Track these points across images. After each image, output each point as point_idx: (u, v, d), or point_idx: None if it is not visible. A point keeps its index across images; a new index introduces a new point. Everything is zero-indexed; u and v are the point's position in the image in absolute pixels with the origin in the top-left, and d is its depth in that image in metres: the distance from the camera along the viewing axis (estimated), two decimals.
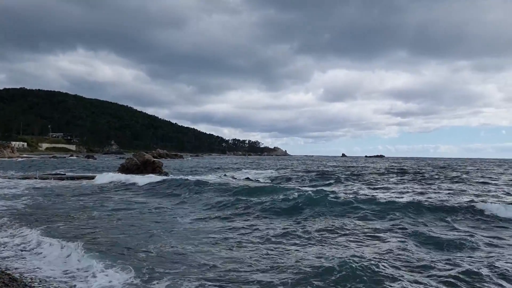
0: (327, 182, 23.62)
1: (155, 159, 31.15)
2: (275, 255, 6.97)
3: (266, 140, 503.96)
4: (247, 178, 26.57)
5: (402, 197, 15.11)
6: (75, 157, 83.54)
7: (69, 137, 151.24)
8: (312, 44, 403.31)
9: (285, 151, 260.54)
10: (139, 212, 11.75)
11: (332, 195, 13.35)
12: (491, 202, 12.89)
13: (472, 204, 12.19)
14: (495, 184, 23.05)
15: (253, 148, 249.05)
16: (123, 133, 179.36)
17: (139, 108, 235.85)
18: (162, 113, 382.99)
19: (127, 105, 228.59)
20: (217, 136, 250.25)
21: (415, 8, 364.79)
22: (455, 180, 25.76)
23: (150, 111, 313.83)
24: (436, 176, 30.03)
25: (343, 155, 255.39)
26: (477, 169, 47.31)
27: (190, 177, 21.93)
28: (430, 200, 13.94)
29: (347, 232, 8.84)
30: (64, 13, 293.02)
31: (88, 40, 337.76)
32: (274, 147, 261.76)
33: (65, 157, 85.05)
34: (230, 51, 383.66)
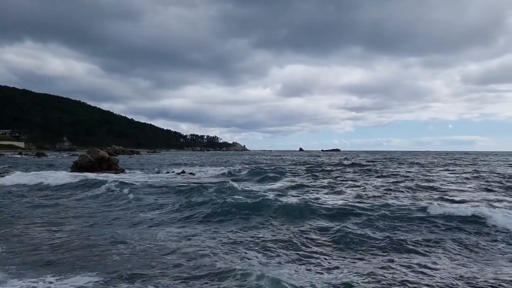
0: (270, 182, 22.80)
1: (110, 156, 30.68)
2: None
3: (225, 135, 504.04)
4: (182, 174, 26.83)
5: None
6: (19, 156, 79.24)
7: (17, 134, 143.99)
8: (270, 39, 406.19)
9: (244, 146, 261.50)
10: None
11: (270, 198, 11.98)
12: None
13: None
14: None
15: (212, 144, 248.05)
16: (76, 130, 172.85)
17: (93, 103, 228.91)
18: (117, 109, 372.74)
19: (79, 100, 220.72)
20: (175, 132, 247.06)
21: (368, 5, 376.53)
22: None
23: (104, 106, 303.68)
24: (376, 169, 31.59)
25: (301, 149, 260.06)
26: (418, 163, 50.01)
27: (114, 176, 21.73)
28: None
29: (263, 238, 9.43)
30: (9, 2, 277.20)
31: (36, 32, 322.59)
32: (233, 142, 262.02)
33: (5, 155, 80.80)
34: (187, 45, 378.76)
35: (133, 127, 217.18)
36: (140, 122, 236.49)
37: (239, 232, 8.49)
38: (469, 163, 44.47)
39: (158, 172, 29.40)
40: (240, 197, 12.55)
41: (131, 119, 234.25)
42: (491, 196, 14.72)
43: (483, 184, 18.46)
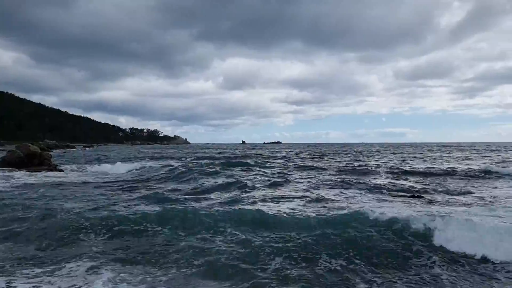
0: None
1: (42, 151, 29.97)
2: None
3: (166, 129, 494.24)
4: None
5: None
6: None
7: None
8: (212, 31, 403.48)
9: (186, 139, 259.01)
10: None
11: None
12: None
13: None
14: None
15: (153, 137, 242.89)
16: (3, 123, 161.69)
17: (22, 95, 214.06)
18: (49, 101, 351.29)
19: (7, 92, 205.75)
20: (113, 125, 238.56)
21: (309, 0, 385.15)
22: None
23: (35, 98, 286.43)
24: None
25: (243, 142, 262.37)
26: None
27: None
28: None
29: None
30: None
31: None
32: (175, 136, 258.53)
33: None
34: (126, 36, 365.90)
35: (67, 121, 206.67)
36: (76, 115, 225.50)
37: None
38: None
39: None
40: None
41: (65, 112, 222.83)
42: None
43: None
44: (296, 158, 39.43)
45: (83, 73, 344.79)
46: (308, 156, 43.39)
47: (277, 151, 61.87)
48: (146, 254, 6.71)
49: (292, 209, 10.22)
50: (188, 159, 38.36)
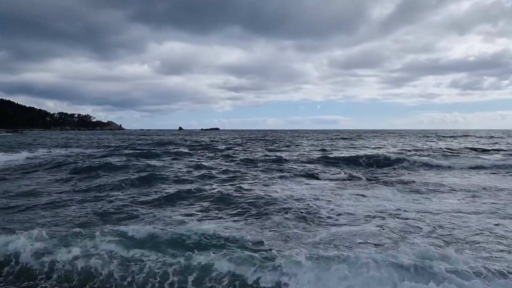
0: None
1: None
2: None
3: (99, 114, 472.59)
4: None
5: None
6: None
7: None
8: (148, 13, 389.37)
9: (120, 125, 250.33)
10: None
11: None
12: None
13: None
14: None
15: (84, 123, 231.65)
16: None
17: None
18: None
19: None
20: (40, 110, 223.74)
21: None
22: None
23: None
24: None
25: (180, 128, 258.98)
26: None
27: None
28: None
29: None
30: None
31: None
32: (108, 121, 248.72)
33: None
34: (53, 13, 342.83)
35: None
36: None
37: None
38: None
39: None
40: None
41: None
42: None
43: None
44: (244, 147, 40.07)
45: (4, 52, 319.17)
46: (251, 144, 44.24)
47: (213, 140, 62.11)
48: None
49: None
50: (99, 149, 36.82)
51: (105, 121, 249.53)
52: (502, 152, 27.23)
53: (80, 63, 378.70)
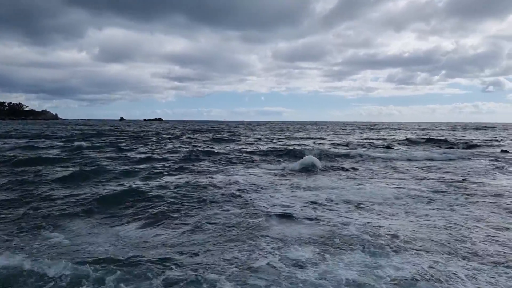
0: None
1: None
2: None
3: (32, 103, 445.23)
4: None
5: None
6: None
7: None
8: None
9: (56, 114, 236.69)
10: None
11: None
12: None
13: None
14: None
15: (16, 112, 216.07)
16: None
17: None
18: None
19: None
20: None
21: None
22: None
23: None
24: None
25: (122, 118, 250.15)
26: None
27: None
28: None
29: None
30: None
31: None
32: (42, 110, 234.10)
33: None
34: None
35: None
36: None
37: None
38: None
39: None
40: None
41: None
42: None
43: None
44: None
45: None
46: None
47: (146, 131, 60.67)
48: None
49: None
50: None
51: (39, 110, 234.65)
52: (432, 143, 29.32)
53: (11, 48, 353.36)
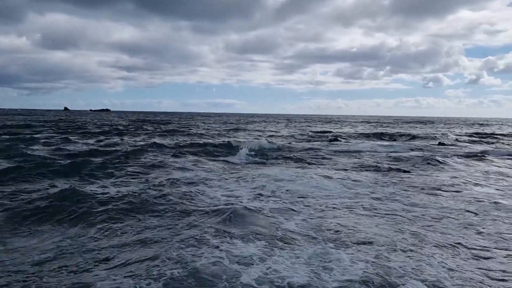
0: None
1: None
2: None
3: None
4: None
5: None
6: None
7: None
8: None
9: None
10: None
11: None
12: None
13: None
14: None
15: None
16: None
17: None
18: None
19: None
20: None
21: None
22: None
23: None
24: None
25: (66, 109, 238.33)
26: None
27: None
28: None
29: None
30: None
31: None
32: None
33: None
34: None
35: None
36: None
37: None
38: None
39: None
40: None
41: None
42: None
43: None
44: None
45: None
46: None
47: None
48: None
49: None
50: None
51: None
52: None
53: None
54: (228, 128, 42.34)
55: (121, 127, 39.85)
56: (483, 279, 4.82)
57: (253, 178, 11.61)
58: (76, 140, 23.14)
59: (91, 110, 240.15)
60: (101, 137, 26.22)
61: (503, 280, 4.84)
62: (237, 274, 4.80)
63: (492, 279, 4.86)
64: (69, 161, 13.81)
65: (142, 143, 21.73)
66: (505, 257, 5.57)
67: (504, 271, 5.06)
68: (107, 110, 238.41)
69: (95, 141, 23.15)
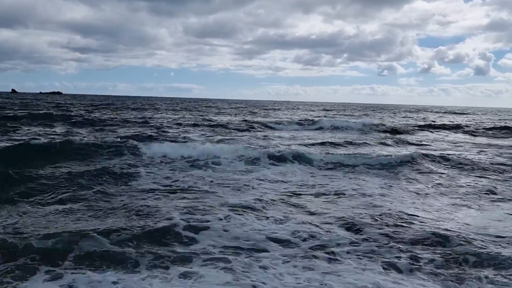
0: None
1: None
2: None
3: None
4: None
5: None
6: None
7: None
8: None
9: None
10: None
11: None
12: None
13: None
14: None
15: None
16: None
17: None
18: None
19: None
20: None
21: None
22: None
23: None
24: None
25: (13, 91, 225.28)
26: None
27: None
28: None
29: None
30: None
31: None
32: None
33: None
34: None
35: None
36: None
37: None
38: None
39: None
40: None
41: None
42: None
43: None
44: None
45: None
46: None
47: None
48: None
49: None
50: None
51: None
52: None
53: None
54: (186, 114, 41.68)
55: (70, 110, 38.19)
56: None
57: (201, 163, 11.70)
58: (23, 126, 22.02)
59: (41, 92, 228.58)
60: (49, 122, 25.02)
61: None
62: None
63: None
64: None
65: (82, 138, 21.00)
66: None
67: None
68: (58, 92, 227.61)
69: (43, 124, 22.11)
